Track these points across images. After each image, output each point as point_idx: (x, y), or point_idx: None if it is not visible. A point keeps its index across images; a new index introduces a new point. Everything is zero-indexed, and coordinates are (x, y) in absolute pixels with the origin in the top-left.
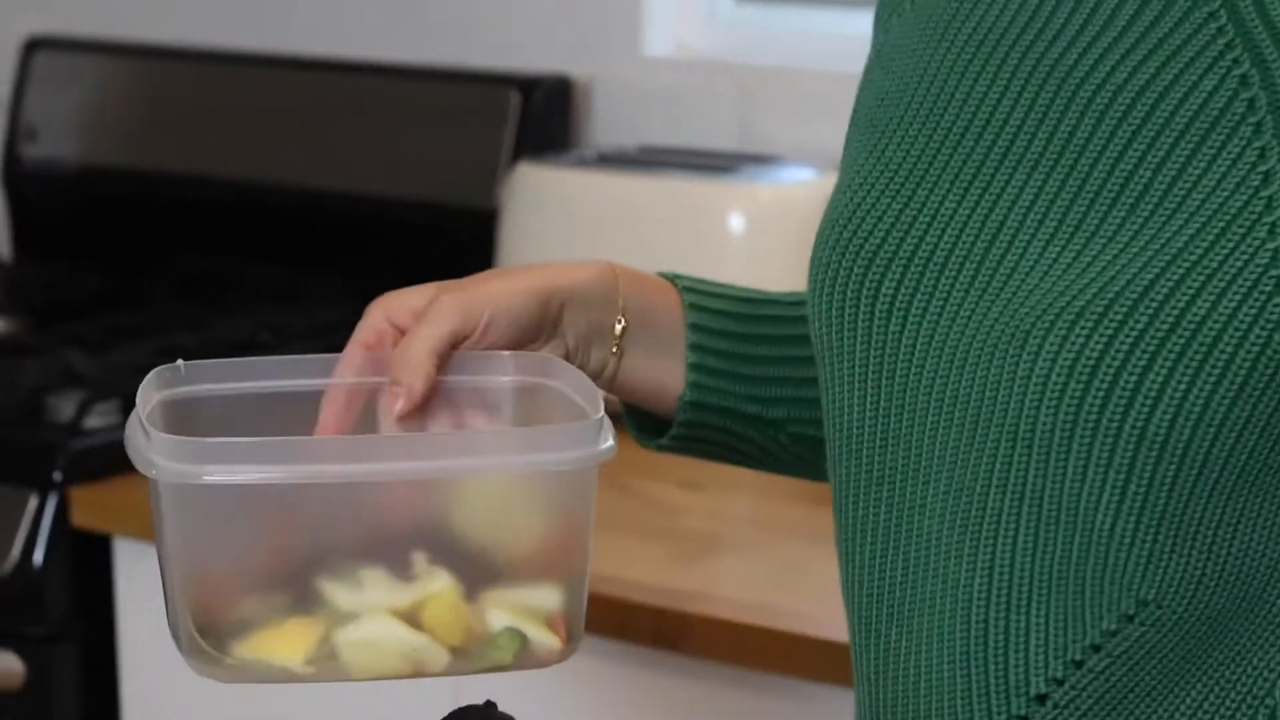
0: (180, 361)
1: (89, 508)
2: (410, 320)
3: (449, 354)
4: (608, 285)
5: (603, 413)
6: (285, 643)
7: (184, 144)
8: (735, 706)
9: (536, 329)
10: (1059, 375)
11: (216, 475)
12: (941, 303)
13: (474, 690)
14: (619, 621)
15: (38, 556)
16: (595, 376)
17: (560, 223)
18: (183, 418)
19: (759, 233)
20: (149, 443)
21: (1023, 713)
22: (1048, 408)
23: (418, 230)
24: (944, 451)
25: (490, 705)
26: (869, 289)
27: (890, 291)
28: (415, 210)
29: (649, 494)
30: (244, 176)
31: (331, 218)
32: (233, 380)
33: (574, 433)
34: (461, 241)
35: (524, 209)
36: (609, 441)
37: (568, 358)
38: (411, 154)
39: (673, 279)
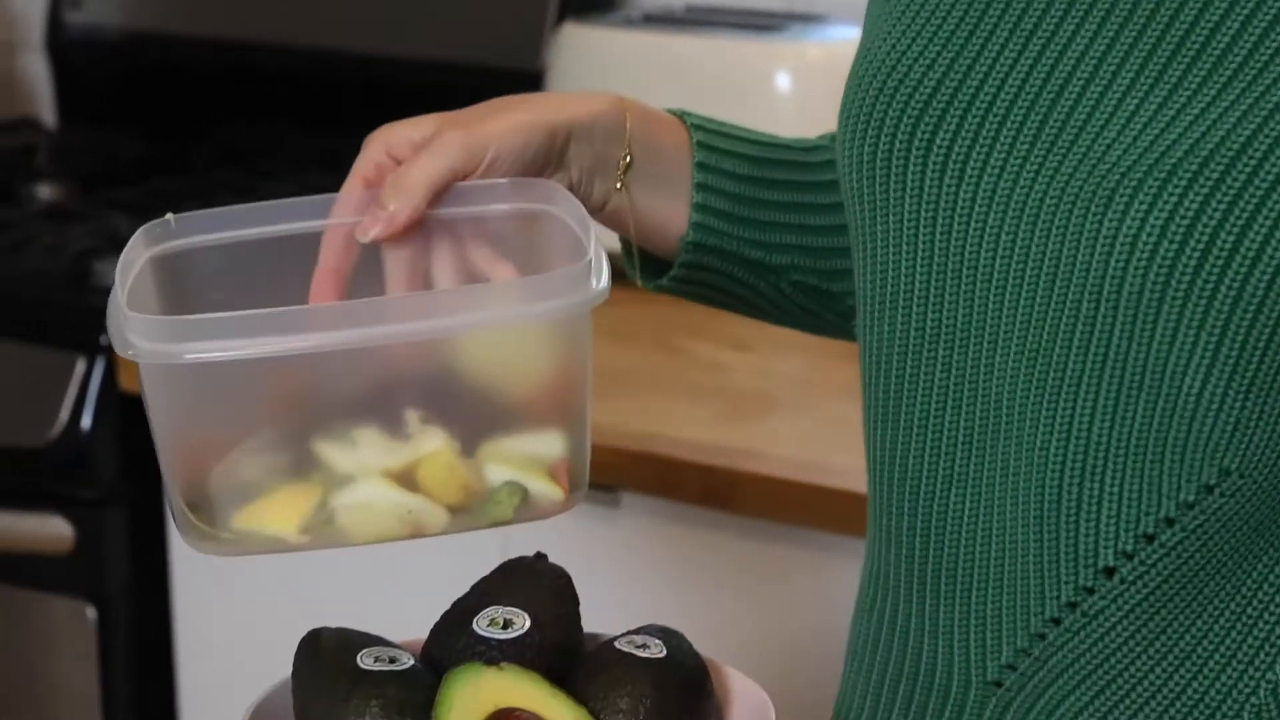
0: (170, 215)
1: (137, 371)
2: (410, 154)
3: (446, 189)
4: (616, 119)
5: (590, 255)
6: (279, 512)
7: (227, 9)
8: (785, 564)
9: (542, 164)
10: (1149, 235)
11: (197, 354)
12: (1004, 155)
13: (523, 542)
14: (669, 480)
15: (86, 420)
16: (596, 210)
17: (606, 84)
18: (176, 272)
19: (806, 92)
20: (126, 322)
21: (1089, 584)
22: (1136, 268)
23: (463, 92)
24: (1014, 311)
25: (540, 557)
26: (921, 139)
27: (945, 142)
28: (460, 72)
29: (698, 354)
30: (288, 41)
31: (376, 81)
32: (227, 229)
33: (564, 278)
34: None
35: (570, 70)
36: (602, 283)
37: (571, 190)
38: (456, 15)
39: (682, 116)
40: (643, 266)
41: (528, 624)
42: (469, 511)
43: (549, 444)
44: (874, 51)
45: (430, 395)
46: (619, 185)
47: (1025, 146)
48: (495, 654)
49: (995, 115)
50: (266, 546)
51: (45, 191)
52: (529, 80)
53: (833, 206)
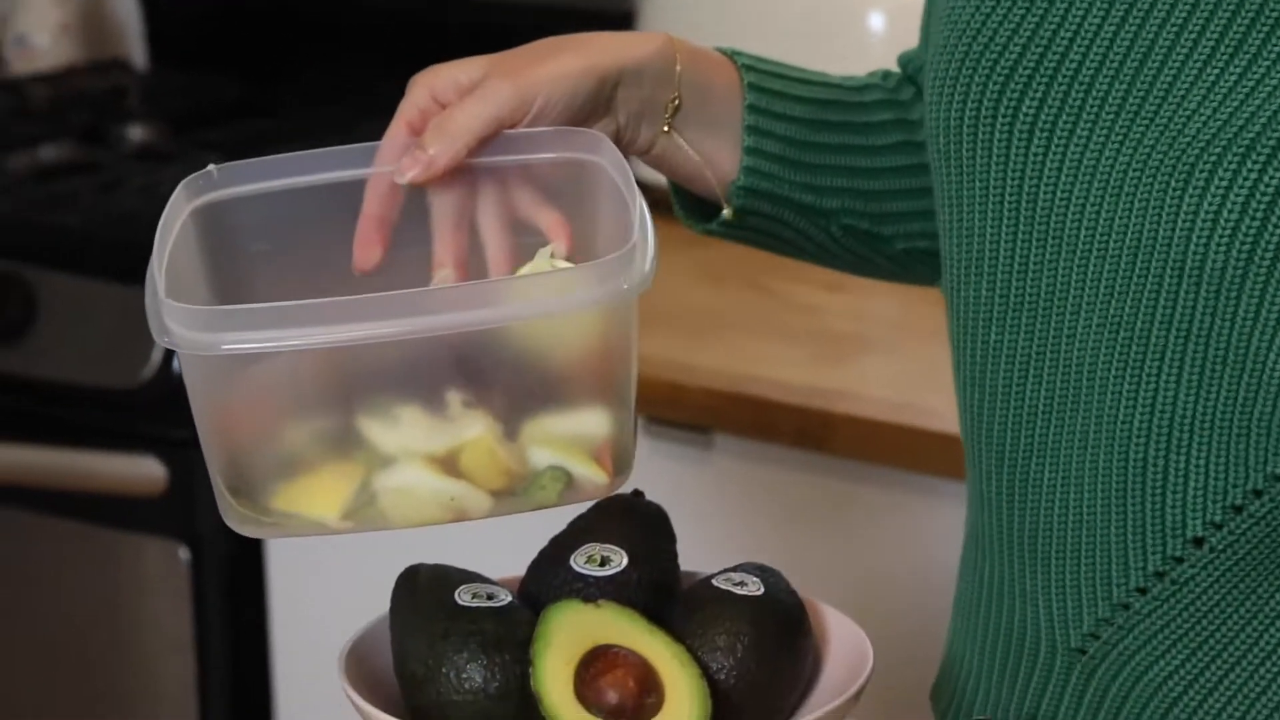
0: (212, 165)
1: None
2: (456, 98)
3: (490, 137)
4: (665, 61)
5: (635, 237)
6: (321, 495)
7: None
8: (878, 504)
9: (590, 110)
10: (1230, 211)
11: (235, 345)
12: (1090, 125)
13: None
14: (762, 421)
15: (178, 361)
16: (643, 153)
17: (695, 26)
18: (220, 224)
19: (899, 33)
20: (164, 308)
21: (1178, 554)
22: (1218, 245)
23: (550, 34)
24: (1097, 282)
25: (638, 494)
26: (1007, 107)
27: (1031, 110)
28: (548, 15)
29: (791, 295)
30: None
31: (464, 23)
32: (270, 178)
33: (610, 266)
34: None
35: (659, 10)
36: (647, 267)
37: (617, 134)
38: None
39: (732, 55)
40: (690, 209)
41: (625, 561)
42: (513, 495)
43: (592, 425)
44: (958, 14)
45: (472, 377)
46: (666, 129)
47: (1110, 116)
48: (593, 591)
49: (1081, 83)
50: (308, 529)
51: (136, 133)
52: (617, 22)
53: (885, 149)
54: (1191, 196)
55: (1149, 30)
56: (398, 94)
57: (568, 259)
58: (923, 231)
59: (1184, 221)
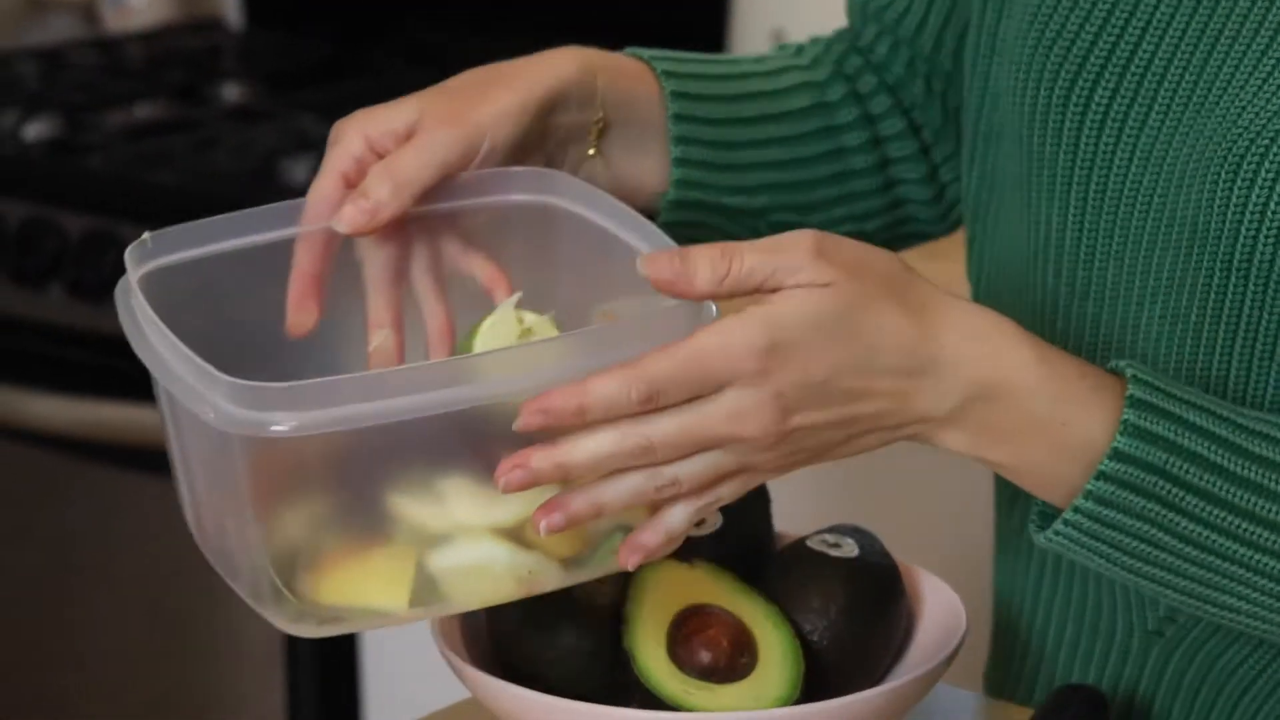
0: (146, 234)
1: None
2: (393, 145)
3: (435, 185)
4: (587, 83)
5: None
6: (379, 583)
7: None
8: (974, 468)
9: (532, 145)
10: (1277, 204)
11: (284, 425)
12: (1161, 115)
13: None
14: None
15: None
16: None
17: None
18: (163, 292)
19: None
20: (204, 383)
21: None
22: (1266, 239)
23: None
24: (1160, 274)
25: None
26: (1079, 96)
27: (1104, 100)
28: None
29: None
30: None
31: None
32: (204, 243)
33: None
34: (689, 12)
35: None
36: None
37: (546, 164)
38: None
39: (649, 61)
40: None
41: (720, 521)
42: (580, 564)
43: None
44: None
45: (524, 441)
46: (592, 152)
47: (1179, 107)
48: (687, 550)
49: (1154, 74)
50: (368, 622)
51: (231, 92)
52: None
53: (806, 136)
54: (1240, 189)
55: (1217, 20)
56: (490, 56)
57: (520, 306)
58: (846, 216)
59: (1233, 214)
